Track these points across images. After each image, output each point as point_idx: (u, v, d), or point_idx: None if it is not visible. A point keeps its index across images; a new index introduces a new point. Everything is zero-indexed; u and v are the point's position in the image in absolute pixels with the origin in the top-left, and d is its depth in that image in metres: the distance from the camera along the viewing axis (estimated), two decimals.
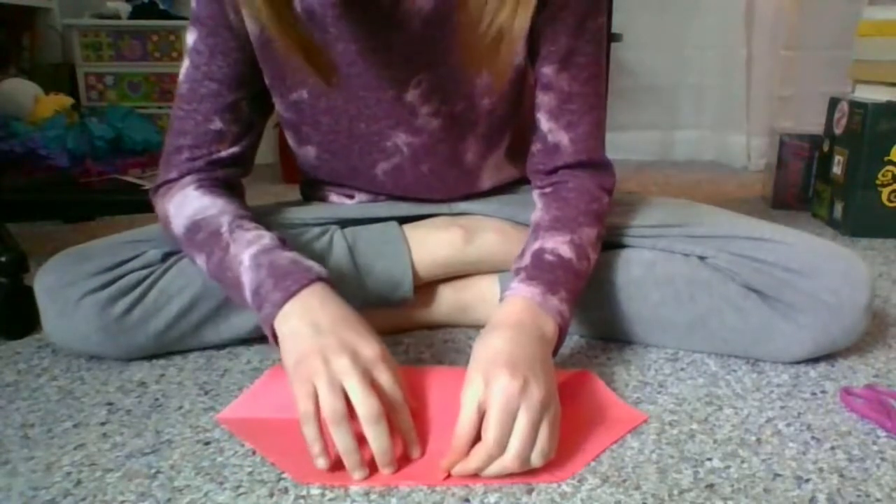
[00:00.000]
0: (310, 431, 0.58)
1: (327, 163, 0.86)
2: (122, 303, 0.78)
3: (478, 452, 0.57)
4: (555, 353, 0.69)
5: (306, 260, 0.69)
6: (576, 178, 0.80)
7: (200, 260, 0.74)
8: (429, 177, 0.85)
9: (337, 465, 0.59)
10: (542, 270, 0.71)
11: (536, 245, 0.74)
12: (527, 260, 0.73)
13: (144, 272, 0.80)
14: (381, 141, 0.81)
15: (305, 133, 0.83)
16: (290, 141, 0.86)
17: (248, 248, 0.70)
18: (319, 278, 0.66)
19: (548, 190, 0.82)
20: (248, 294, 0.67)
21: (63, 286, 0.78)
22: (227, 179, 0.82)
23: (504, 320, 0.66)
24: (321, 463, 0.58)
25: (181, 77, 0.78)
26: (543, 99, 0.79)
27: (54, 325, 0.79)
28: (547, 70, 0.77)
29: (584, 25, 0.75)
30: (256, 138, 0.84)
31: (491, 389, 0.57)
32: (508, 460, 0.56)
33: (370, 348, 0.61)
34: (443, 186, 0.87)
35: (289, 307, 0.64)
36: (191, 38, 0.76)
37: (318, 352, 0.59)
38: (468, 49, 0.72)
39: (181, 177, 0.80)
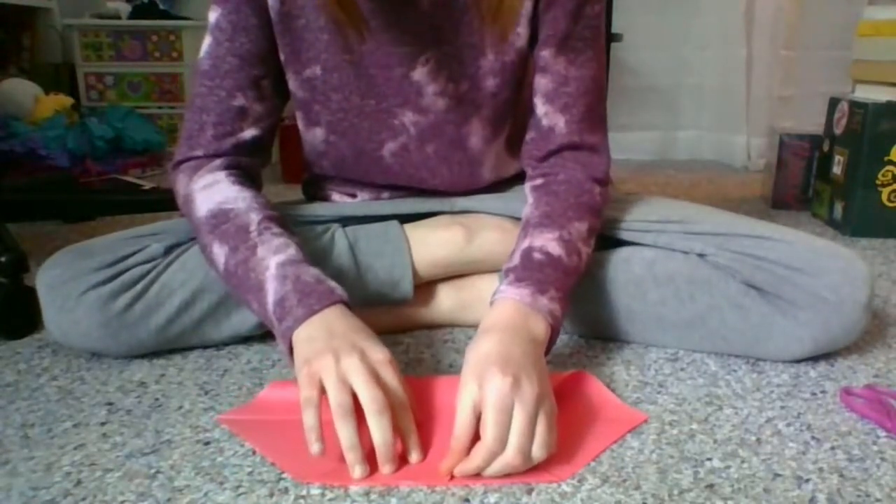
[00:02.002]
0: (309, 417, 0.58)
1: (334, 146, 0.86)
2: (124, 297, 0.78)
3: (478, 452, 0.57)
4: (548, 351, 0.70)
5: (329, 280, 0.70)
6: (566, 170, 0.81)
7: (220, 250, 0.74)
8: (433, 159, 0.86)
9: (335, 464, 0.59)
10: (531, 270, 0.72)
11: (525, 243, 0.75)
12: (516, 260, 0.74)
13: (147, 266, 0.80)
14: (389, 119, 0.83)
15: (316, 112, 0.84)
16: (300, 124, 0.87)
17: (276, 256, 0.70)
18: (341, 300, 0.68)
19: (538, 182, 0.82)
20: (270, 302, 0.68)
21: (65, 281, 0.78)
22: (249, 169, 0.83)
23: (494, 324, 0.67)
24: (316, 448, 0.57)
25: (203, 54, 0.79)
26: (540, 82, 0.80)
27: (56, 320, 0.79)
28: (545, 53, 0.79)
29: (583, 11, 0.77)
30: (276, 123, 0.85)
31: (484, 390, 0.58)
32: (510, 457, 0.57)
33: (380, 352, 0.63)
34: (447, 171, 0.87)
35: (308, 321, 0.65)
36: (213, 15, 0.78)
37: (330, 351, 0.61)
38: (474, 27, 0.76)
39: (207, 157, 0.80)
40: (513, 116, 0.86)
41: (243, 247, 0.72)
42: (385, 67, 0.79)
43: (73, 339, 0.80)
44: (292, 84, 0.82)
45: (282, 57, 0.80)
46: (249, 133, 0.81)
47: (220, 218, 0.75)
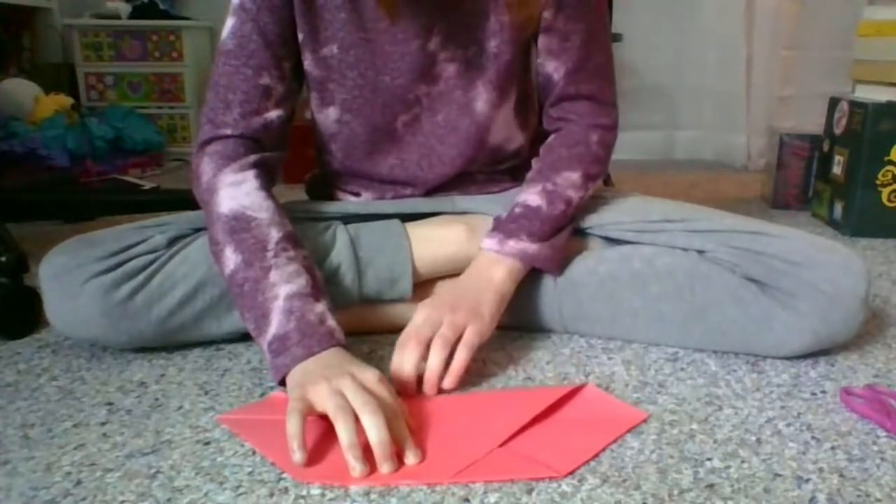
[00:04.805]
0: (292, 424, 0.59)
1: (347, 125, 0.88)
2: (126, 287, 0.78)
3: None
4: (552, 268, 0.84)
5: (330, 319, 0.70)
6: (568, 124, 0.89)
7: (233, 256, 0.74)
8: (443, 128, 0.88)
9: (335, 464, 0.59)
10: (507, 222, 0.84)
11: (514, 201, 0.86)
12: (503, 215, 0.85)
13: (150, 257, 0.80)
14: (404, 93, 0.85)
15: (330, 91, 0.86)
16: (314, 104, 0.89)
17: (287, 285, 0.71)
18: (339, 344, 0.69)
19: (548, 139, 0.90)
20: (270, 333, 0.69)
21: (69, 270, 0.78)
22: (274, 166, 0.84)
23: (466, 273, 0.82)
24: (298, 457, 0.58)
25: (226, 34, 0.81)
26: (542, 40, 0.86)
27: (57, 309, 0.79)
28: (546, 14, 0.84)
29: None
30: (294, 109, 0.87)
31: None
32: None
33: (370, 373, 0.64)
34: (455, 139, 0.88)
35: (304, 361, 0.67)
36: None
37: (322, 376, 0.63)
38: None
39: (235, 137, 0.80)
40: (519, 83, 0.89)
41: (258, 265, 0.72)
42: (402, 43, 0.82)
43: (74, 328, 0.80)
44: (308, 63, 0.84)
45: (300, 36, 0.82)
46: (275, 113, 0.82)
47: (241, 222, 0.75)
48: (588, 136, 0.87)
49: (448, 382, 0.72)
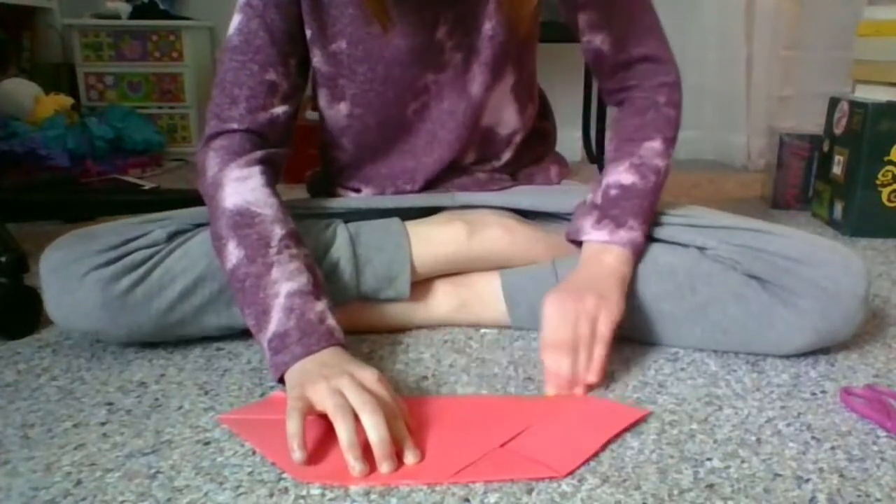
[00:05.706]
0: (292, 424, 0.59)
1: (358, 119, 0.88)
2: (126, 280, 0.78)
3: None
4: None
5: (330, 318, 0.70)
6: (631, 91, 0.87)
7: (235, 251, 0.74)
8: (445, 113, 0.89)
9: (335, 464, 0.59)
10: (609, 208, 0.82)
11: (604, 182, 0.84)
12: (598, 199, 0.83)
13: (150, 251, 0.80)
14: (413, 83, 0.86)
15: (340, 87, 0.86)
16: (323, 102, 0.89)
17: (288, 283, 0.71)
18: (339, 343, 0.69)
19: (616, 113, 0.89)
20: (270, 330, 0.69)
21: (68, 263, 0.78)
22: (279, 164, 0.84)
23: (581, 264, 0.81)
24: (298, 456, 0.58)
25: (232, 31, 0.81)
26: (583, 18, 0.85)
27: (57, 302, 0.79)
28: None
29: None
30: (299, 106, 0.87)
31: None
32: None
33: (369, 372, 0.64)
34: (454, 123, 0.89)
35: (303, 360, 0.67)
36: None
37: (321, 375, 0.63)
38: None
39: (240, 131, 0.81)
40: (515, 66, 0.89)
41: (260, 261, 0.72)
42: (409, 36, 0.82)
43: (74, 321, 0.80)
44: (317, 60, 0.85)
45: (308, 33, 0.83)
46: (281, 109, 0.83)
47: (245, 218, 0.75)
48: (655, 97, 0.86)
49: (591, 377, 0.72)
